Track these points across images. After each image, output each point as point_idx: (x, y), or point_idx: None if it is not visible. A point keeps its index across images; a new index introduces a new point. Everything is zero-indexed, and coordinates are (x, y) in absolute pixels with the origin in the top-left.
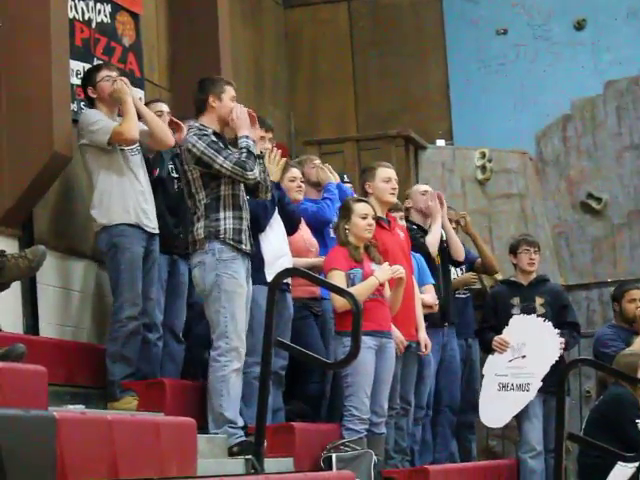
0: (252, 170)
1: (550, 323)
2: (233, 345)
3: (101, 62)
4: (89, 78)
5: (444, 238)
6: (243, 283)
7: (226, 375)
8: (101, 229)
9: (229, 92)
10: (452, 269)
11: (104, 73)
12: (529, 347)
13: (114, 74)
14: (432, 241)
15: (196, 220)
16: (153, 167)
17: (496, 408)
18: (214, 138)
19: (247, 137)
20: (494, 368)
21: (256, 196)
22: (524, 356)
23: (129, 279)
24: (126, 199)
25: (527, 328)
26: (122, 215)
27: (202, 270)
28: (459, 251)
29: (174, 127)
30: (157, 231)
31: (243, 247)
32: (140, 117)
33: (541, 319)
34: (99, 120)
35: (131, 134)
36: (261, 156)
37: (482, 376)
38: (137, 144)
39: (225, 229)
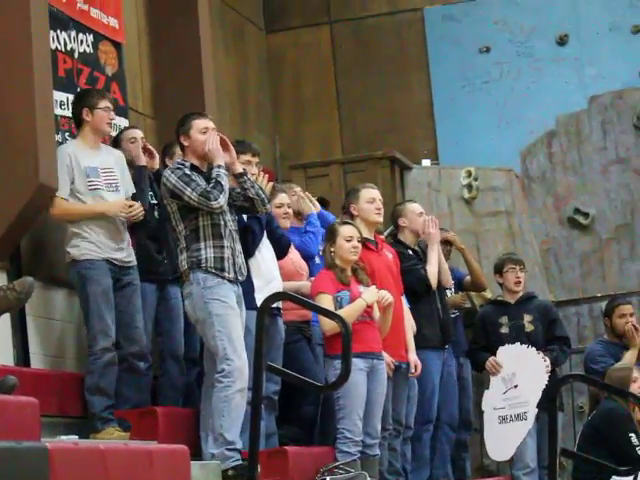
0: (217, 199)
1: (533, 348)
2: (235, 366)
3: (99, 90)
4: (87, 100)
5: None
6: (234, 305)
7: (229, 395)
8: (71, 261)
9: (197, 126)
10: None
11: (105, 104)
12: (519, 376)
13: (111, 108)
14: (433, 272)
15: (179, 252)
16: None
17: (500, 441)
18: (187, 171)
19: (219, 167)
20: (492, 402)
21: (255, 211)
22: (516, 386)
23: (97, 311)
24: (94, 234)
25: (514, 357)
26: (90, 250)
27: (191, 300)
28: (448, 279)
29: (148, 154)
30: (132, 263)
31: (226, 275)
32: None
33: (524, 346)
34: (61, 173)
35: (55, 216)
36: (243, 173)
37: (482, 412)
38: (114, 175)
39: (206, 258)
